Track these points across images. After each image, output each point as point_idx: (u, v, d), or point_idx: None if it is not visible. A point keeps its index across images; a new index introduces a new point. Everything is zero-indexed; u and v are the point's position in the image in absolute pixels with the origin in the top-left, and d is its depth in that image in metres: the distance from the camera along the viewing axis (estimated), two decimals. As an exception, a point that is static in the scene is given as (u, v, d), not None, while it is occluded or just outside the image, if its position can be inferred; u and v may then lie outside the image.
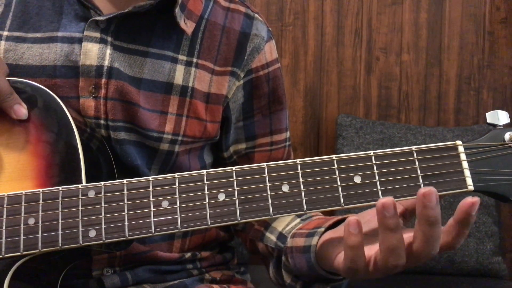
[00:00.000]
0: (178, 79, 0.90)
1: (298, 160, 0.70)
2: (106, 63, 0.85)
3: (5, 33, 0.86)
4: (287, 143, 1.05)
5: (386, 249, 0.65)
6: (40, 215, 0.72)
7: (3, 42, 0.85)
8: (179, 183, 0.71)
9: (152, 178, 0.72)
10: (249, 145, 1.01)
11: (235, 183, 0.70)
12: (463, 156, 0.69)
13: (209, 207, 0.70)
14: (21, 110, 0.78)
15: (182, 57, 0.91)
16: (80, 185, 0.73)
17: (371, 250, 0.68)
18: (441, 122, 2.22)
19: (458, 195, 0.69)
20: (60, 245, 0.71)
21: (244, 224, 1.01)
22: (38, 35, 0.86)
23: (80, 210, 0.72)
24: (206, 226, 0.70)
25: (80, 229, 0.71)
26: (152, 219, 0.70)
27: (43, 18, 0.86)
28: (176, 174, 0.71)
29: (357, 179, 0.69)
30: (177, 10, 0.88)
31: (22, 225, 0.72)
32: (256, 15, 0.99)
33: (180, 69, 0.90)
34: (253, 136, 1.01)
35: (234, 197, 0.70)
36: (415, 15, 2.22)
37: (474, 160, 0.69)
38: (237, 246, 1.10)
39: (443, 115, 2.22)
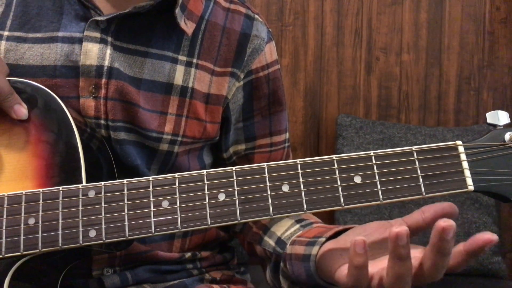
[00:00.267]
0: (178, 79, 0.90)
1: (298, 160, 0.70)
2: (106, 63, 0.85)
3: (6, 33, 0.86)
4: (286, 144, 1.05)
5: (394, 276, 0.64)
6: (40, 215, 0.72)
7: (3, 42, 0.85)
8: (179, 183, 0.71)
9: (152, 178, 0.72)
10: (248, 146, 1.01)
11: (235, 183, 0.70)
12: (463, 156, 0.69)
13: (209, 207, 0.70)
14: (21, 110, 0.78)
15: (182, 58, 0.91)
16: (80, 185, 0.73)
17: (374, 267, 0.67)
18: (441, 122, 2.22)
19: (459, 195, 0.69)
20: (60, 245, 0.71)
21: (242, 226, 1.01)
22: (38, 35, 0.86)
23: (80, 210, 0.72)
24: (206, 226, 0.70)
25: (80, 229, 0.71)
26: (152, 219, 0.70)
27: (44, 18, 0.86)
28: (176, 174, 0.71)
29: (357, 179, 0.69)
30: (177, 10, 0.88)
31: (22, 225, 0.72)
32: (257, 16, 0.99)
33: (180, 70, 0.90)
34: (253, 137, 1.01)
35: (234, 197, 0.70)
36: (415, 15, 2.22)
37: (474, 160, 0.69)
38: (237, 246, 1.10)
39: (443, 115, 2.22)
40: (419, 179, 0.69)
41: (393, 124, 2.08)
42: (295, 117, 2.20)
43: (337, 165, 0.70)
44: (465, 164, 0.69)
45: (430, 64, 2.22)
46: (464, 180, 0.68)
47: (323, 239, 0.78)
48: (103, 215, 0.71)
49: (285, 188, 0.70)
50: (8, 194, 0.74)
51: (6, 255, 0.72)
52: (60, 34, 0.85)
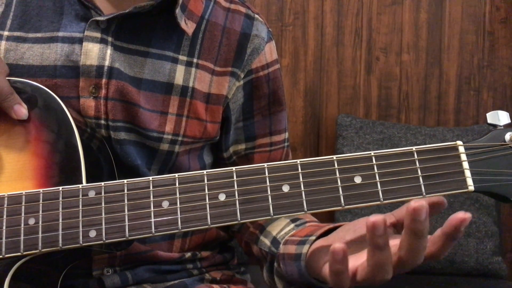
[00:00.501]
0: (179, 79, 0.90)
1: (298, 160, 0.70)
2: (107, 63, 0.85)
3: (6, 33, 0.86)
4: (286, 143, 1.05)
5: (373, 265, 0.64)
6: (40, 215, 0.72)
7: (3, 42, 0.85)
8: (179, 183, 0.71)
9: (152, 178, 0.71)
10: (248, 146, 1.01)
11: (235, 183, 0.70)
12: (463, 157, 0.69)
13: (209, 207, 0.70)
14: (21, 110, 0.78)
15: (182, 58, 0.91)
16: (80, 185, 0.73)
17: (358, 260, 0.68)
18: (441, 122, 2.22)
19: (459, 195, 0.69)
20: (60, 245, 0.71)
21: (240, 226, 1.01)
22: (38, 35, 0.86)
23: (81, 210, 0.71)
24: (207, 227, 0.70)
25: (81, 229, 0.71)
26: (153, 219, 0.70)
27: (44, 18, 0.86)
28: (176, 174, 0.71)
29: (358, 180, 0.69)
30: (177, 10, 0.88)
31: (22, 225, 0.72)
32: (257, 16, 0.99)
33: (180, 70, 0.90)
34: (253, 137, 1.01)
35: (235, 197, 0.70)
36: (415, 15, 2.22)
37: (474, 161, 0.69)
38: (237, 246, 1.10)
39: (443, 115, 2.22)
40: (420, 179, 0.69)
41: (393, 124, 2.08)
42: (295, 117, 2.20)
43: (338, 165, 0.70)
44: (465, 164, 0.69)
45: (430, 64, 2.22)
46: (465, 180, 0.68)
47: (314, 238, 0.79)
48: (103, 215, 0.71)
49: (286, 188, 0.70)
50: (8, 194, 0.73)
51: (6, 256, 0.72)
52: (60, 34, 0.85)
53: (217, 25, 0.94)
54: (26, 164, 0.77)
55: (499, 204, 2.01)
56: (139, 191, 0.71)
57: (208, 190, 0.70)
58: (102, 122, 0.86)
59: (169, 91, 0.90)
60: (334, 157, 0.70)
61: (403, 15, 2.22)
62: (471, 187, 0.68)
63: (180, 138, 0.91)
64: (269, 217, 0.69)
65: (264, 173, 0.70)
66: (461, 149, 0.70)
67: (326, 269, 0.71)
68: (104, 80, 0.85)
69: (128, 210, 0.71)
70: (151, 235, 0.70)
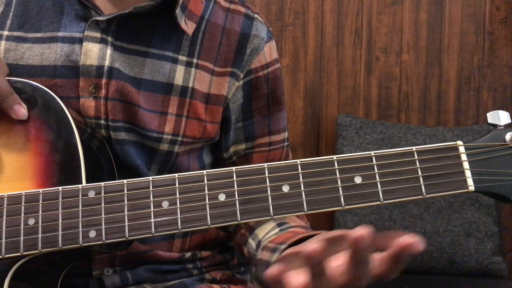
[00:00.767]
0: (178, 79, 0.90)
1: (298, 161, 0.70)
2: (107, 63, 0.85)
3: (6, 32, 0.85)
4: (285, 143, 1.05)
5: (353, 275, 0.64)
6: (40, 216, 0.72)
7: (3, 42, 0.85)
8: (179, 184, 0.71)
9: (152, 178, 0.71)
10: (248, 146, 1.01)
11: (235, 183, 0.70)
12: (463, 157, 0.69)
13: (209, 208, 0.70)
14: (21, 110, 0.78)
15: (182, 58, 0.91)
16: (80, 186, 0.73)
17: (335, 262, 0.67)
18: (441, 122, 2.22)
19: (459, 195, 0.69)
20: (60, 245, 0.71)
21: (235, 226, 1.01)
22: (38, 35, 0.86)
23: (80, 210, 0.71)
24: (207, 227, 0.70)
25: (80, 229, 0.71)
26: (153, 220, 0.70)
27: (44, 18, 0.86)
28: (176, 175, 0.71)
29: (358, 180, 0.69)
30: (177, 10, 0.88)
31: (22, 225, 0.72)
32: (256, 16, 0.99)
33: (180, 70, 0.90)
34: (252, 137, 1.01)
35: (235, 197, 0.70)
36: (415, 15, 2.22)
37: (474, 161, 0.69)
38: (237, 246, 1.11)
39: (443, 115, 2.22)
40: (420, 180, 0.69)
41: (393, 124, 2.08)
42: (295, 117, 2.20)
43: (338, 165, 0.70)
44: (465, 165, 0.69)
45: (430, 64, 2.22)
46: (465, 181, 0.68)
47: (284, 246, 0.79)
48: (103, 215, 0.71)
49: (286, 189, 0.70)
50: (8, 195, 0.73)
51: (6, 256, 0.72)
52: (60, 34, 0.85)
53: (217, 25, 0.94)
54: (26, 164, 0.77)
55: (499, 204, 2.01)
56: (139, 191, 0.71)
57: (208, 190, 0.70)
58: (102, 122, 0.86)
59: (169, 91, 0.90)
60: (334, 157, 0.70)
61: (403, 15, 2.22)
62: (471, 187, 0.68)
63: (179, 138, 0.91)
64: (269, 217, 0.69)
65: (264, 173, 0.70)
66: (461, 149, 0.70)
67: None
68: (104, 80, 0.85)
69: (128, 210, 0.71)
70: (151, 235, 0.70)
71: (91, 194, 0.72)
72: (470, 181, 0.68)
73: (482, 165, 0.69)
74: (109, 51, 0.85)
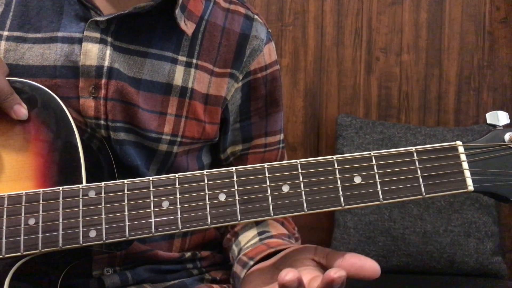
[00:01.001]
0: (178, 80, 0.90)
1: (298, 161, 0.70)
2: (106, 63, 0.85)
3: (5, 33, 0.86)
4: (281, 145, 1.05)
5: None
6: (41, 215, 0.72)
7: (3, 42, 0.85)
8: (179, 183, 0.71)
9: (152, 178, 0.71)
10: (244, 147, 1.02)
11: (235, 183, 0.70)
12: (463, 157, 0.69)
13: (209, 208, 0.70)
14: (21, 110, 0.78)
15: (182, 58, 0.91)
16: (80, 185, 0.73)
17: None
18: (441, 122, 2.22)
19: (459, 195, 0.69)
20: (60, 245, 0.71)
21: (225, 229, 1.01)
22: (38, 35, 0.86)
23: (81, 210, 0.71)
24: (207, 227, 0.70)
25: (81, 229, 0.71)
26: (153, 220, 0.70)
27: (43, 18, 0.86)
28: (176, 175, 0.71)
29: (358, 180, 0.69)
30: (177, 11, 0.88)
31: (22, 225, 0.72)
32: (256, 17, 0.99)
33: (179, 70, 0.90)
34: (250, 138, 1.01)
35: (235, 197, 0.70)
36: (415, 15, 2.22)
37: (474, 161, 0.69)
38: (237, 246, 1.11)
39: (443, 115, 2.22)
40: (419, 180, 0.69)
41: (393, 124, 2.08)
42: (295, 117, 2.20)
43: (337, 165, 0.70)
44: (465, 165, 0.69)
45: (430, 64, 2.22)
46: (464, 181, 0.69)
47: (252, 263, 0.80)
48: (103, 215, 0.71)
49: (286, 189, 0.70)
50: (8, 194, 0.73)
51: (6, 256, 0.72)
52: (60, 34, 0.85)
53: (216, 25, 0.94)
54: (26, 164, 0.77)
55: (499, 204, 2.01)
56: (139, 191, 0.71)
57: (208, 190, 0.70)
58: (102, 122, 0.86)
59: (168, 92, 0.90)
60: (334, 157, 0.70)
61: (403, 15, 2.22)
62: (471, 187, 0.68)
63: (178, 139, 0.91)
64: (269, 217, 0.69)
65: (264, 173, 0.70)
66: (461, 149, 0.70)
67: None
68: (103, 81, 0.85)
69: (128, 210, 0.71)
70: (151, 235, 0.70)
71: (92, 194, 0.72)
72: (469, 181, 0.68)
73: (482, 165, 0.69)
74: (108, 51, 0.85)
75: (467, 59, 2.23)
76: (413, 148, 0.70)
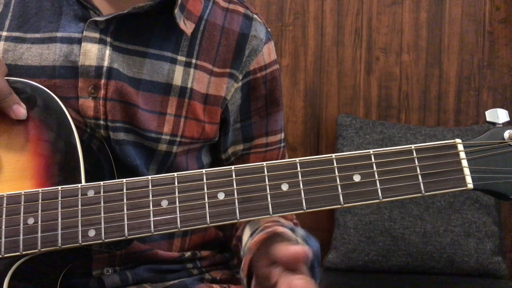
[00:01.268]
0: (177, 80, 0.90)
1: (297, 159, 0.70)
2: (106, 63, 0.85)
3: (4, 33, 0.86)
4: (282, 144, 1.06)
5: None
6: (40, 215, 0.72)
7: (2, 43, 0.85)
8: (178, 182, 0.71)
9: (151, 177, 0.72)
10: (245, 147, 1.02)
11: (234, 182, 0.70)
12: (462, 155, 0.69)
13: (208, 206, 0.70)
14: (20, 110, 0.78)
15: (181, 58, 0.91)
16: (79, 185, 0.73)
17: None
18: (441, 122, 2.22)
19: (459, 195, 0.69)
20: (59, 244, 0.71)
21: (230, 232, 1.02)
22: (37, 35, 0.86)
23: (80, 209, 0.72)
24: (206, 225, 0.70)
25: (80, 228, 0.71)
26: (152, 219, 0.70)
27: (42, 19, 0.86)
28: (175, 174, 0.71)
29: (357, 178, 0.69)
30: (176, 10, 0.88)
31: (21, 224, 0.72)
32: (255, 16, 0.99)
33: (179, 70, 0.90)
34: (251, 138, 1.01)
35: (234, 196, 0.70)
36: (415, 15, 2.22)
37: (473, 159, 0.69)
38: (237, 246, 1.11)
39: (443, 115, 2.22)
40: (419, 178, 0.69)
41: (393, 124, 2.08)
42: (295, 117, 2.20)
43: (337, 164, 0.70)
44: (464, 162, 0.69)
45: (430, 64, 2.22)
46: (464, 178, 0.68)
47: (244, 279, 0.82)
48: (102, 214, 0.71)
49: (285, 187, 0.70)
50: (7, 194, 0.74)
51: (6, 255, 0.72)
52: (59, 34, 0.85)
53: (215, 25, 0.94)
54: (25, 164, 0.77)
55: (499, 204, 2.01)
56: (138, 190, 0.71)
57: (207, 189, 0.70)
58: (101, 122, 0.86)
59: (168, 92, 0.90)
60: (333, 155, 0.70)
61: (403, 15, 2.22)
62: (470, 185, 0.68)
63: (178, 139, 0.91)
64: (268, 216, 0.69)
65: (263, 172, 0.70)
66: (460, 147, 0.70)
67: None
68: (103, 81, 0.85)
69: (127, 209, 0.71)
70: (150, 234, 0.70)
71: (91, 193, 0.72)
72: (469, 179, 0.68)
73: (481, 163, 0.69)
74: (108, 51, 0.85)
75: (467, 59, 2.23)
76: (412, 146, 0.70)
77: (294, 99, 2.20)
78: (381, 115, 2.21)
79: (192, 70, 0.91)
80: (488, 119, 0.71)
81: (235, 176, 0.70)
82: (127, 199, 0.71)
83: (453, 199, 1.92)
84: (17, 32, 0.86)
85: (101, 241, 0.71)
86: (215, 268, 1.01)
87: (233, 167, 0.71)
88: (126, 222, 0.70)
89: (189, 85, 0.91)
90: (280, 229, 0.83)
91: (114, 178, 0.77)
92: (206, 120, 0.94)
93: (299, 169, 0.70)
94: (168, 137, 0.90)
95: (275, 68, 1.00)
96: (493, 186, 0.69)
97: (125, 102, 0.86)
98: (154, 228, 0.70)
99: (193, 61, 0.92)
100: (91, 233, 0.71)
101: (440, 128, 2.08)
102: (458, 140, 0.70)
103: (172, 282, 0.95)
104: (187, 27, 0.90)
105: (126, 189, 0.72)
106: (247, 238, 0.91)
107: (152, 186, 0.71)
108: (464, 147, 0.69)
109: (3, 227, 0.72)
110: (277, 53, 1.02)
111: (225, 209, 0.70)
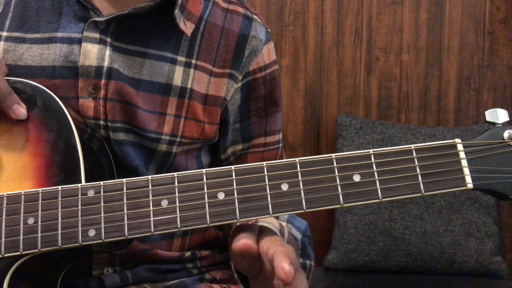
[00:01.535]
0: (177, 80, 0.90)
1: (297, 159, 0.71)
2: (106, 64, 0.85)
3: (4, 33, 0.86)
4: (280, 144, 1.06)
5: None
6: (40, 215, 0.72)
7: (2, 43, 0.85)
8: (178, 182, 0.71)
9: (151, 177, 0.72)
10: (244, 146, 1.02)
11: (234, 182, 0.70)
12: (462, 154, 0.69)
13: (208, 206, 0.70)
14: (20, 110, 0.78)
15: (181, 59, 0.91)
16: (79, 185, 0.73)
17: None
18: (441, 122, 2.22)
19: (459, 195, 0.69)
20: (59, 244, 0.71)
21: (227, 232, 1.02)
22: (37, 35, 0.86)
23: (80, 209, 0.72)
24: (206, 225, 0.70)
25: (80, 228, 0.71)
26: (152, 218, 0.70)
27: (42, 19, 0.86)
28: (175, 173, 0.71)
29: (357, 178, 0.69)
30: (176, 11, 0.88)
31: (21, 224, 0.72)
32: (255, 17, 0.99)
33: (179, 70, 0.90)
34: (250, 138, 1.01)
35: (234, 196, 0.70)
36: (415, 15, 2.22)
37: (473, 158, 0.69)
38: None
39: (443, 115, 2.22)
40: (418, 177, 0.69)
41: (393, 124, 2.08)
42: (295, 117, 2.20)
43: (336, 163, 0.70)
44: (464, 162, 0.69)
45: (430, 64, 2.22)
46: (463, 178, 0.68)
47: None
48: (102, 214, 0.71)
49: (284, 187, 0.70)
50: (7, 194, 0.74)
51: (6, 255, 0.72)
52: (59, 34, 0.85)
53: (215, 25, 0.94)
54: (26, 164, 0.78)
55: (499, 204, 2.01)
56: (138, 190, 0.71)
57: (207, 189, 0.70)
58: (101, 122, 0.86)
59: (168, 92, 0.90)
60: (333, 155, 0.70)
61: (403, 15, 2.21)
62: (470, 185, 0.68)
63: (178, 139, 0.91)
64: (268, 216, 0.69)
65: (263, 172, 0.70)
66: (460, 147, 0.70)
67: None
68: (103, 81, 0.85)
69: (127, 209, 0.71)
70: (150, 234, 0.70)
71: (91, 193, 0.72)
72: (468, 179, 0.68)
73: (481, 163, 0.69)
74: (108, 51, 0.85)
75: (467, 59, 2.23)
76: (412, 146, 0.70)
77: (294, 99, 2.20)
78: (381, 115, 2.21)
79: (192, 70, 0.91)
80: (487, 119, 0.71)
81: (235, 176, 0.70)
82: (127, 199, 0.71)
83: (453, 199, 1.92)
84: (17, 32, 0.86)
85: (101, 241, 0.71)
86: (215, 268, 1.01)
87: (233, 167, 0.71)
88: (126, 222, 0.71)
89: (189, 86, 0.91)
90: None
91: (114, 178, 0.77)
92: (205, 121, 0.94)
93: (299, 169, 0.70)
94: (168, 137, 0.90)
95: (274, 68, 1.01)
96: (492, 186, 0.69)
97: (125, 102, 0.86)
98: (154, 228, 0.70)
99: (193, 61, 0.92)
100: (91, 233, 0.71)
101: (440, 128, 2.08)
102: (458, 140, 0.70)
103: (172, 282, 0.95)
104: (187, 27, 0.90)
105: (126, 189, 0.72)
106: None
107: (152, 186, 0.71)
108: (464, 147, 0.70)
109: (3, 227, 0.73)
110: (277, 53, 1.03)
111: (225, 209, 0.70)
